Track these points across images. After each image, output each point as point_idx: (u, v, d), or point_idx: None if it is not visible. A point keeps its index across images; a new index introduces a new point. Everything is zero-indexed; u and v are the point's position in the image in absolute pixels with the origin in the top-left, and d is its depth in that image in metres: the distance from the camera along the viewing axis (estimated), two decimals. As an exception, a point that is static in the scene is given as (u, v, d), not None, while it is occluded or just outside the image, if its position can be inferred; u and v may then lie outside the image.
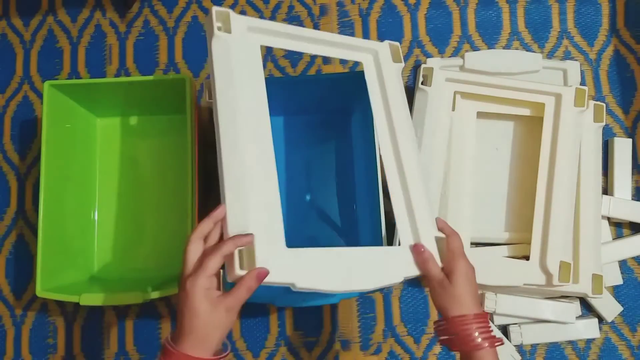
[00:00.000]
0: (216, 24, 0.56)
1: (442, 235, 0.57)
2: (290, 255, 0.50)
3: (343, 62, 0.84)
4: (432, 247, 0.57)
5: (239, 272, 0.47)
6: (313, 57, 0.84)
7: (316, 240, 0.78)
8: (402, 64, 0.66)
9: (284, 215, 0.72)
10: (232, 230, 0.49)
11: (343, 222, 0.77)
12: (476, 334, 0.51)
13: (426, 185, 0.62)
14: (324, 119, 0.79)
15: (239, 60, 0.56)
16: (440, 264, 0.56)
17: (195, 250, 0.49)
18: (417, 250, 0.56)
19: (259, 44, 0.59)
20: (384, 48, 0.65)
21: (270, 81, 0.58)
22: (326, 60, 0.84)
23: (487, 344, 0.51)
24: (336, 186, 0.78)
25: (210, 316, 0.47)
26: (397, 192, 0.60)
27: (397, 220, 0.59)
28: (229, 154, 0.52)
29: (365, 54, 0.65)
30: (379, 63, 0.64)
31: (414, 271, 0.56)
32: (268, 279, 0.48)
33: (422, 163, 0.71)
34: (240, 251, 0.48)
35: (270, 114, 0.78)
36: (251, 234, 0.49)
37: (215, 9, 0.56)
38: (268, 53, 0.84)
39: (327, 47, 0.63)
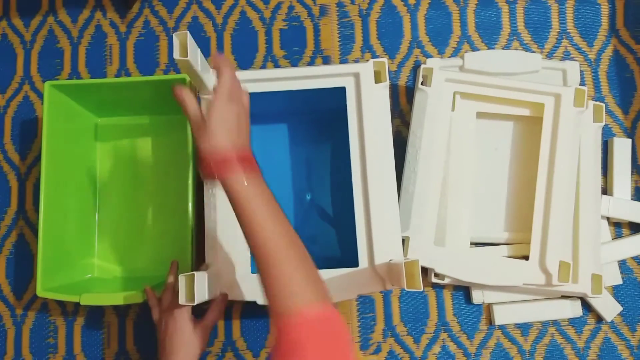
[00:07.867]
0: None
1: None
2: (254, 279, 0.63)
3: (343, 61, 0.84)
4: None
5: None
6: (313, 58, 0.84)
7: (316, 239, 0.78)
8: (387, 82, 0.67)
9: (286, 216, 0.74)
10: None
11: (343, 222, 0.77)
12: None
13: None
14: (324, 118, 0.79)
15: None
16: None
17: None
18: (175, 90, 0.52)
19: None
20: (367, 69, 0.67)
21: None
22: (326, 60, 0.84)
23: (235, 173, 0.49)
24: (337, 185, 0.78)
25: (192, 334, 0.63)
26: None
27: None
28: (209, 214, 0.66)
29: (347, 78, 0.67)
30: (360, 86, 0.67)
31: (363, 290, 0.63)
32: (235, 298, 0.63)
33: (421, 163, 0.72)
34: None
35: (272, 117, 0.80)
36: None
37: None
38: (268, 53, 0.85)
39: (308, 80, 0.67)
